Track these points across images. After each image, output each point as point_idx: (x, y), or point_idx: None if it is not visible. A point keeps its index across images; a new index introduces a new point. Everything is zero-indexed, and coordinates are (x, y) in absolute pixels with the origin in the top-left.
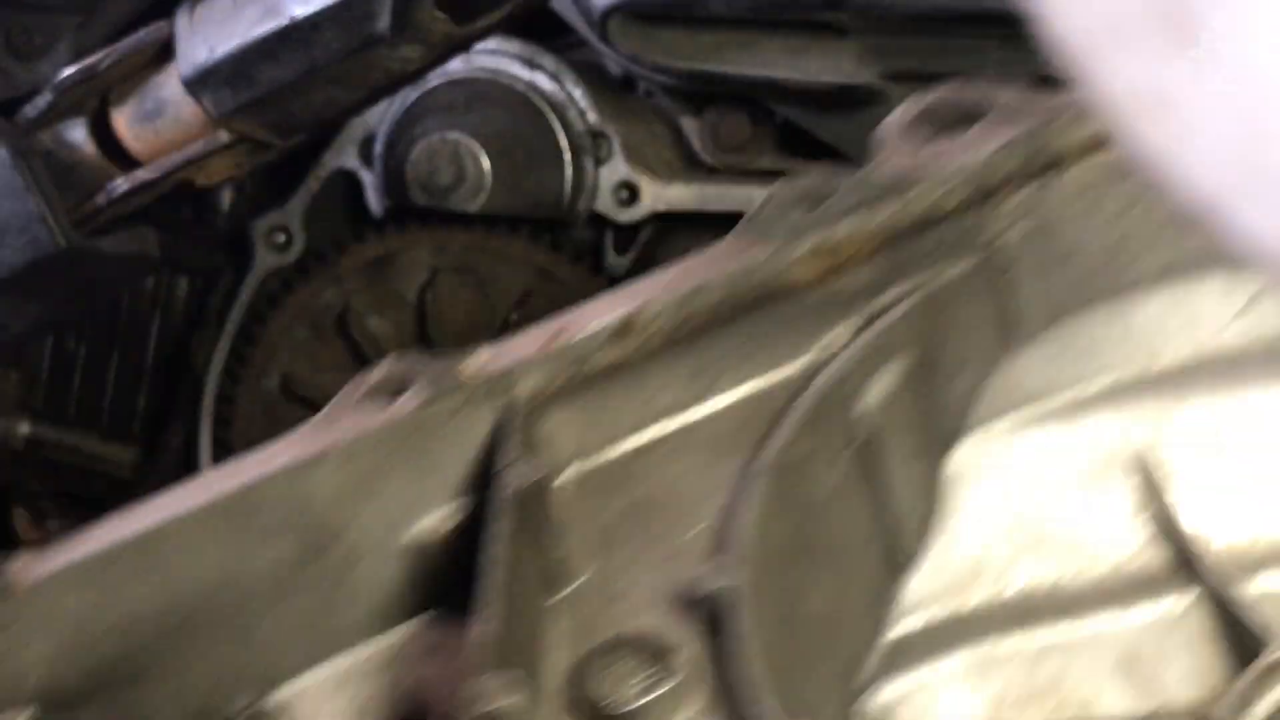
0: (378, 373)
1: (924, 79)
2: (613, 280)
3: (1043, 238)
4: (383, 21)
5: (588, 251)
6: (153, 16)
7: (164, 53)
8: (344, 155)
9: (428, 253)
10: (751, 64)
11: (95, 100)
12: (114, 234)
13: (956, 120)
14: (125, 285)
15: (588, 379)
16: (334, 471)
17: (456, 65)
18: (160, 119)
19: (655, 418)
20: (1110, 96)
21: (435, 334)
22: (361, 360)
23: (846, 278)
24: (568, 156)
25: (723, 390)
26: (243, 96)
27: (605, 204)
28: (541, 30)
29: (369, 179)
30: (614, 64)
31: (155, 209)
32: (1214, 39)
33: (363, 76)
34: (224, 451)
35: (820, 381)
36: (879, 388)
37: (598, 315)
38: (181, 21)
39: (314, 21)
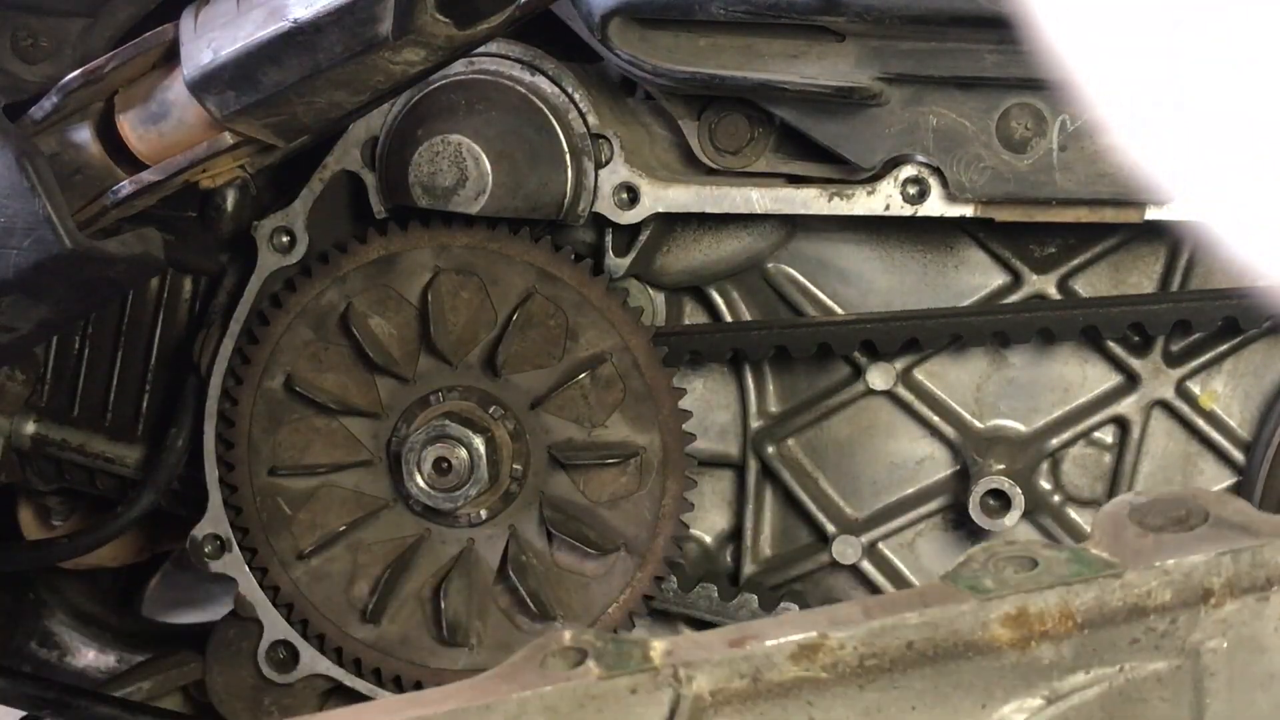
0: (561, 638)
1: (920, 81)
2: (613, 280)
3: (1247, 655)
4: (385, 25)
5: (588, 252)
6: (157, 20)
7: (169, 56)
8: (347, 157)
9: (430, 253)
10: (749, 67)
11: (101, 103)
12: (119, 235)
13: (1169, 523)
14: (130, 286)
15: (764, 690)
16: None
17: (459, 68)
18: (165, 121)
19: None
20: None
21: (437, 334)
22: (364, 360)
23: (1043, 648)
24: (568, 158)
25: None
26: (246, 99)
27: (605, 205)
28: (544, 34)
29: (371, 180)
30: (614, 67)
31: (160, 210)
32: None
33: (365, 79)
34: (228, 451)
35: None
36: None
37: (790, 629)
38: (186, 25)
39: (317, 25)
